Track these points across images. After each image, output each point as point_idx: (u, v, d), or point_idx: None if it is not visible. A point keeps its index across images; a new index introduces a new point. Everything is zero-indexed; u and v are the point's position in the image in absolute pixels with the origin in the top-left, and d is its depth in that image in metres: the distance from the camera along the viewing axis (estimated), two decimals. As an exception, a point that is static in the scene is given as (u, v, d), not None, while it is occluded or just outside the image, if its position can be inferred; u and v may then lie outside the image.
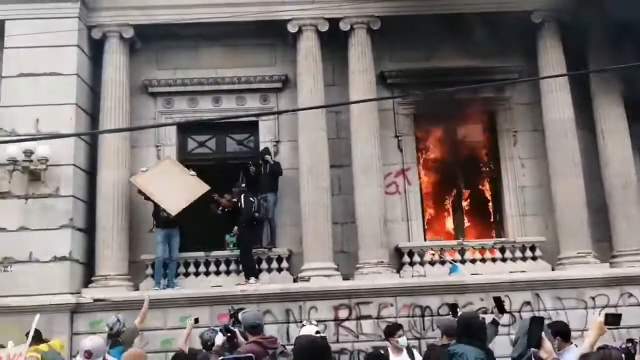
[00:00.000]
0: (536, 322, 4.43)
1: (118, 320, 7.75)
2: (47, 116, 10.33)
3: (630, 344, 6.46)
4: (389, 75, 11.69)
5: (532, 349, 4.37)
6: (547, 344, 4.29)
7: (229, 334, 5.56)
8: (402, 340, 6.85)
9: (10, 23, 10.70)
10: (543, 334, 4.32)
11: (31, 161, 10.06)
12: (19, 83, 10.53)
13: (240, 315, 5.55)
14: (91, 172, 10.90)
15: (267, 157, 11.12)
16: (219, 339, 5.74)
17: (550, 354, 4.27)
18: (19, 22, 10.64)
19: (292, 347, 4.33)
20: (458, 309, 7.82)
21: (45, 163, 10.08)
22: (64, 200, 10.23)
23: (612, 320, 4.33)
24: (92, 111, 11.14)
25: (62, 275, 9.98)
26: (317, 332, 5.56)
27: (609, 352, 3.91)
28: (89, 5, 11.11)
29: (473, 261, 10.93)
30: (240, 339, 5.40)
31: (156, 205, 10.46)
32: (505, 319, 10.11)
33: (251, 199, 10.62)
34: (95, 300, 9.97)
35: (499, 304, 6.77)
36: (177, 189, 10.30)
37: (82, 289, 10.26)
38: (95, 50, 11.29)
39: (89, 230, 10.67)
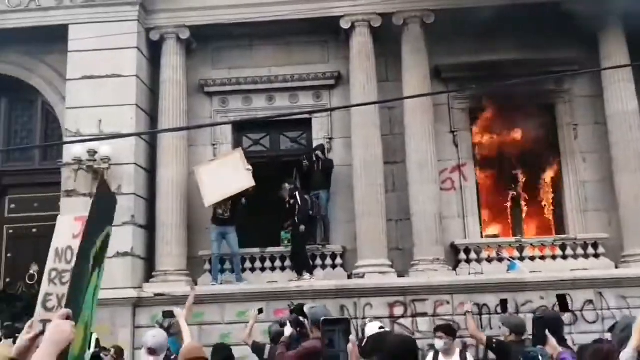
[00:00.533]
0: (539, 322, 4.68)
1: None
2: (109, 117, 10.70)
3: None
4: (444, 70, 11.52)
5: (539, 346, 4.58)
6: (552, 340, 4.50)
7: (298, 328, 5.59)
8: (438, 344, 6.43)
9: (74, 27, 11.11)
10: (547, 331, 4.54)
11: (95, 160, 10.44)
12: (82, 85, 10.94)
13: (307, 310, 5.56)
14: (151, 171, 11.23)
15: (319, 153, 11.13)
16: (288, 331, 5.78)
17: (554, 349, 4.48)
18: (82, 26, 11.04)
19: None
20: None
21: (108, 162, 10.45)
22: (125, 198, 10.57)
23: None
24: (151, 111, 11.46)
25: (124, 271, 10.32)
26: (381, 327, 5.52)
27: (601, 347, 4.14)
28: (147, 7, 11.42)
29: (532, 258, 10.66)
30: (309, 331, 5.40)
31: (218, 203, 10.63)
32: (566, 318, 9.86)
33: (306, 197, 10.67)
34: (156, 294, 10.27)
35: (563, 302, 6.53)
36: (225, 181, 10.40)
37: (144, 284, 10.58)
38: (153, 51, 11.61)
39: (149, 227, 11.00)
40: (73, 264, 2.30)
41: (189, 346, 5.16)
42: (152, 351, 5.04)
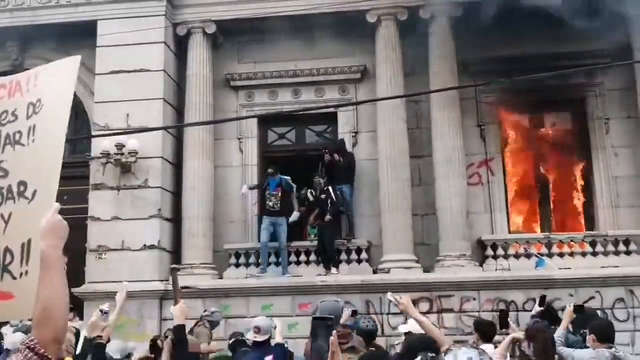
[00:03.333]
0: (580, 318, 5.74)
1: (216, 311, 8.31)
2: (137, 111, 10.82)
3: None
4: (471, 63, 11.35)
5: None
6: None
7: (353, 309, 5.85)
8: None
9: (102, 23, 11.25)
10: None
11: (122, 154, 10.57)
12: (110, 80, 11.07)
13: (317, 304, 5.65)
14: (177, 164, 11.32)
15: (336, 155, 10.92)
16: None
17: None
18: (110, 22, 11.18)
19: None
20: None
21: (135, 156, 10.56)
22: (152, 191, 10.69)
23: (578, 309, 6.04)
24: (178, 105, 11.55)
25: (151, 263, 10.45)
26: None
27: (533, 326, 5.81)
28: (174, 3, 11.49)
29: (561, 255, 10.48)
30: None
31: (262, 193, 10.62)
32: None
33: (338, 192, 10.64)
34: (182, 287, 10.31)
35: (542, 300, 7.03)
36: None
37: (179, 267, 10.66)
38: (180, 46, 11.69)
39: (176, 220, 11.10)
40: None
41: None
42: (258, 329, 5.74)
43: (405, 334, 5.30)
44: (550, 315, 6.92)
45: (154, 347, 6.70)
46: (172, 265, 7.90)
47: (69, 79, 2.31)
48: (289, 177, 10.70)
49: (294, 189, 10.74)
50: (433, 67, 10.94)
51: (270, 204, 10.49)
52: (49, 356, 1.60)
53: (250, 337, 5.81)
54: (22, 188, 2.16)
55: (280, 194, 10.51)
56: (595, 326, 5.19)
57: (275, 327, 5.94)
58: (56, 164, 2.13)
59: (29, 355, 1.58)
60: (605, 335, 4.99)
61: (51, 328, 1.63)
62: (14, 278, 2.09)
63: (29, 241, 2.07)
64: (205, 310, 8.63)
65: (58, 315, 1.66)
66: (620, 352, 4.78)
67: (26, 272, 2.07)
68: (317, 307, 5.49)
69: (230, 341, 7.23)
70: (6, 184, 2.20)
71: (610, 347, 4.82)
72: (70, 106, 2.28)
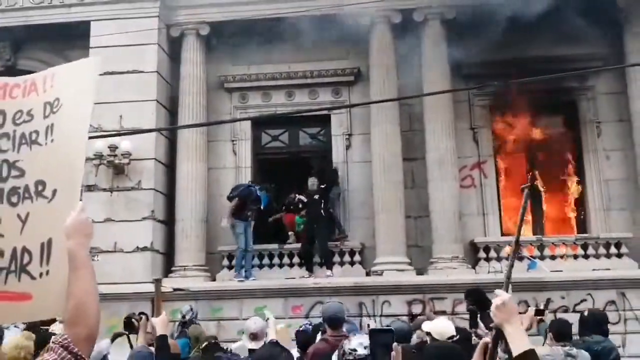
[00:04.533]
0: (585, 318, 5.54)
1: (191, 309, 8.15)
2: (130, 112, 10.79)
3: None
4: (464, 66, 11.40)
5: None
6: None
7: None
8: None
9: (95, 24, 11.21)
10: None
11: (115, 155, 10.54)
12: (103, 81, 10.99)
13: (321, 306, 5.55)
14: (170, 166, 11.30)
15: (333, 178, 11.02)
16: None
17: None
18: (103, 23, 11.15)
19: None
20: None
21: (129, 157, 10.54)
22: (145, 192, 10.66)
23: (539, 313, 6.23)
24: (171, 107, 11.53)
25: (144, 265, 10.42)
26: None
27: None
28: (168, 4, 11.48)
29: (553, 257, 10.54)
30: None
31: (242, 200, 10.58)
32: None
33: (330, 194, 10.65)
34: (175, 289, 10.33)
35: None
36: None
37: (163, 278, 10.64)
38: (174, 47, 11.67)
39: (169, 222, 11.07)
40: None
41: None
42: (254, 336, 5.60)
43: (427, 333, 5.01)
44: (479, 302, 6.85)
45: (128, 325, 6.72)
46: (155, 277, 7.89)
47: (90, 79, 2.31)
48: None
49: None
50: (426, 70, 10.98)
51: (249, 213, 10.45)
52: (83, 355, 1.60)
53: (246, 344, 5.70)
54: (40, 187, 2.13)
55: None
56: (553, 325, 5.36)
57: (267, 319, 5.86)
58: (79, 162, 2.12)
59: (63, 354, 1.58)
60: (561, 333, 5.10)
61: (85, 326, 1.64)
62: (33, 278, 2.05)
63: (50, 241, 2.04)
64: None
65: (91, 313, 1.67)
66: (574, 350, 4.82)
67: (47, 272, 2.03)
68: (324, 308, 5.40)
69: (202, 345, 7.11)
70: (23, 183, 2.16)
71: (565, 345, 4.87)
72: (92, 106, 2.27)
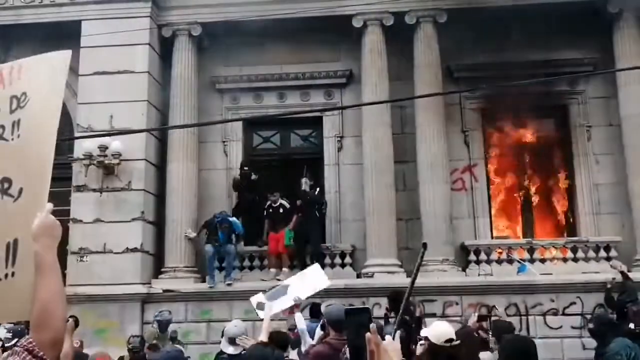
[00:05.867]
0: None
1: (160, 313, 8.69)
2: (120, 113, 10.73)
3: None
4: (456, 69, 11.44)
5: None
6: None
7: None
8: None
9: (86, 23, 11.15)
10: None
11: (105, 156, 10.48)
12: (94, 81, 10.97)
13: (323, 308, 5.35)
14: (161, 167, 11.25)
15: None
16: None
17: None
18: (94, 22, 11.08)
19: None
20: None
21: (119, 158, 10.48)
22: (135, 193, 10.60)
23: (482, 319, 6.56)
24: (162, 107, 11.48)
25: (133, 266, 10.35)
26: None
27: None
28: (160, 4, 11.43)
29: (543, 260, 10.57)
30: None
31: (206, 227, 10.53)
32: (576, 320, 9.78)
33: (322, 196, 10.64)
34: (165, 291, 10.29)
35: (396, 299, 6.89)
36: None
37: (152, 279, 10.60)
38: (165, 48, 11.62)
39: (159, 223, 11.01)
40: None
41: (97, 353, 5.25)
42: (231, 340, 5.18)
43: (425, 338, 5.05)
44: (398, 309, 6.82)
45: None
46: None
47: (59, 73, 2.18)
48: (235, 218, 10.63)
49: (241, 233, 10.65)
50: (418, 73, 11.01)
51: (219, 232, 10.35)
52: (47, 359, 1.57)
53: (225, 349, 5.33)
54: (6, 185, 2.03)
55: (228, 228, 10.38)
56: (495, 328, 5.63)
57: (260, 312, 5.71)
58: (46, 161, 2.02)
59: (27, 358, 1.55)
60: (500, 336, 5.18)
61: (50, 330, 1.60)
62: None
63: (16, 241, 1.95)
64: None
65: (57, 317, 1.63)
66: None
67: (12, 274, 1.94)
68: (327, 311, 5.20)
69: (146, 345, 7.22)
70: None
71: None
72: (61, 102, 2.15)
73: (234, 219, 10.58)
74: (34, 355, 1.55)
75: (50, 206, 1.80)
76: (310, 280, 7.25)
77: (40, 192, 1.97)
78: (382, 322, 7.07)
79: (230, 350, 5.24)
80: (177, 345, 7.43)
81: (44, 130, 2.07)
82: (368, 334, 2.01)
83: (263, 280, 10.55)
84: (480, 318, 6.26)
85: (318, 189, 10.77)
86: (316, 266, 7.91)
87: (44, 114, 2.10)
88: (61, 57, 2.22)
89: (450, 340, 3.88)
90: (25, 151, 2.06)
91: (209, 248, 10.41)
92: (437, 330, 4.62)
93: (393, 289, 7.35)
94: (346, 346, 3.06)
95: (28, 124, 2.10)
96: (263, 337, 5.50)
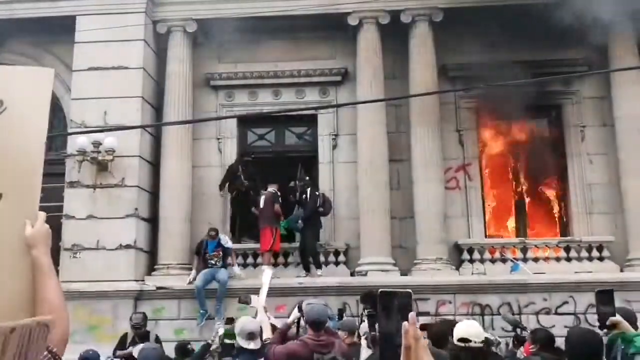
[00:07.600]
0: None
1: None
2: (115, 109, 10.69)
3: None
4: (451, 68, 11.46)
5: None
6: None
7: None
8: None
9: (81, 18, 11.09)
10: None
11: (99, 152, 10.42)
12: (88, 76, 10.92)
13: (304, 306, 5.19)
14: (155, 163, 11.21)
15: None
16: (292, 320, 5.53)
17: None
18: (89, 18, 11.02)
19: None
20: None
21: (112, 154, 10.43)
22: (129, 190, 10.57)
23: (423, 328, 5.84)
24: (157, 104, 11.44)
25: (127, 263, 10.32)
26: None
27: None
28: (155, 0, 11.38)
29: (536, 260, 10.62)
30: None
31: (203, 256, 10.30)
32: (568, 320, 9.82)
33: (317, 192, 10.63)
34: (158, 288, 10.26)
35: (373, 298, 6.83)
36: None
37: (146, 276, 10.57)
38: (160, 44, 11.58)
39: (153, 219, 10.98)
40: None
41: None
42: (251, 335, 5.17)
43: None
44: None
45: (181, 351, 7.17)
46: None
47: (44, 89, 2.13)
48: (225, 235, 10.51)
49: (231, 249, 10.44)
50: (413, 72, 11.01)
51: (213, 262, 10.16)
52: (60, 355, 1.68)
53: (243, 344, 5.23)
54: None
55: (220, 253, 10.22)
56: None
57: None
58: (31, 173, 1.99)
59: (47, 357, 1.65)
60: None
61: (59, 327, 1.71)
62: None
63: None
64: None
65: (63, 316, 1.77)
66: None
67: None
68: (306, 308, 5.13)
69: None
70: None
71: None
72: (47, 119, 2.12)
73: (224, 238, 10.31)
74: (49, 351, 1.66)
75: (43, 215, 1.88)
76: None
77: (24, 202, 1.94)
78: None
79: (252, 345, 5.19)
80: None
81: (25, 141, 2.01)
82: (405, 324, 1.63)
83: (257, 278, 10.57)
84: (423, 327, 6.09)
85: (309, 190, 10.63)
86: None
87: (22, 126, 2.04)
88: (44, 74, 2.14)
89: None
90: (4, 159, 2.01)
91: (198, 283, 10.02)
92: (466, 330, 4.49)
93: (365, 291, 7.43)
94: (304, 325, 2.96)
95: (3, 131, 2.04)
96: (267, 334, 5.50)
